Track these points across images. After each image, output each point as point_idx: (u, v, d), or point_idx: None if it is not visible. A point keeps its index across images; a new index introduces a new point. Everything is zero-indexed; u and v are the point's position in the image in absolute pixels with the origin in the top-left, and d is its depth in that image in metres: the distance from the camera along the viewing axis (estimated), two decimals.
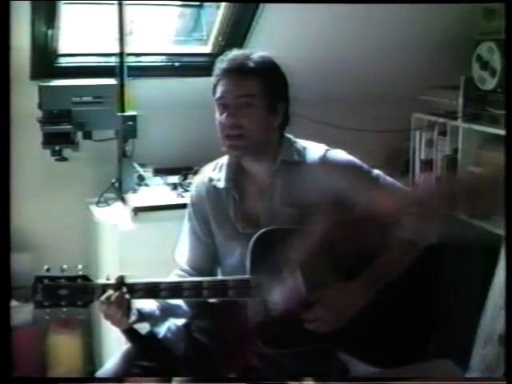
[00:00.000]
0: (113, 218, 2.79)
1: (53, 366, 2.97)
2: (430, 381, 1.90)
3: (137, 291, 1.81)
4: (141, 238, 2.68)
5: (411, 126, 3.26)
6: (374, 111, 3.32)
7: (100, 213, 2.86)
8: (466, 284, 2.95)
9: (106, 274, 1.87)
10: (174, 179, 2.99)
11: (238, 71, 1.87)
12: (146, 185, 2.97)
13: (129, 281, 1.82)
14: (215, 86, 1.90)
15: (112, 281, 1.81)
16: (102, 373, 1.92)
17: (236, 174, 1.96)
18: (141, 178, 2.97)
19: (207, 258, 2.01)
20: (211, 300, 1.99)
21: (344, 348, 1.87)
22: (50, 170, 2.93)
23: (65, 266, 1.82)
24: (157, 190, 2.95)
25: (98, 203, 2.90)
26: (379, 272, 1.83)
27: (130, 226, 2.74)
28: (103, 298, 1.79)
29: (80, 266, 1.84)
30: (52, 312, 1.84)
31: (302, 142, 1.98)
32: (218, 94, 1.89)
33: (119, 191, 2.91)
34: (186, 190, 2.92)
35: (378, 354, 1.88)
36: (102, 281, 1.83)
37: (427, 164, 3.19)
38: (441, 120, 3.09)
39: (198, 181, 2.05)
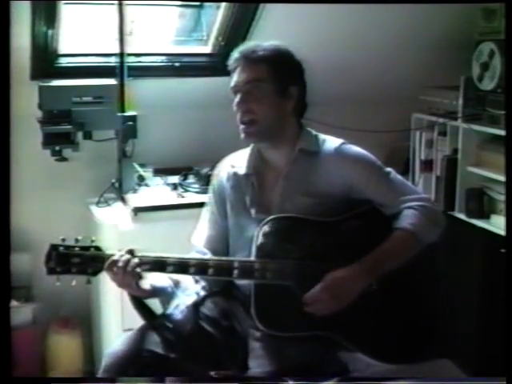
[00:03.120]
0: (113, 218, 2.79)
1: (53, 365, 2.98)
2: (429, 381, 1.90)
3: (145, 264, 1.88)
4: (141, 238, 2.67)
5: (411, 126, 3.26)
6: (374, 111, 3.32)
7: (100, 213, 2.86)
8: (467, 284, 2.95)
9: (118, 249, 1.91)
10: (174, 179, 2.99)
11: (247, 58, 1.96)
12: (146, 185, 2.97)
13: (138, 254, 1.89)
14: (232, 77, 1.98)
15: (122, 252, 1.88)
16: (109, 354, 1.94)
17: (257, 161, 2.03)
18: (141, 178, 2.97)
19: (224, 241, 2.06)
20: (218, 288, 2.03)
21: (344, 337, 1.88)
22: (50, 169, 2.93)
23: (79, 237, 1.93)
24: (157, 190, 2.95)
25: (98, 203, 2.90)
26: (380, 258, 1.86)
27: (129, 226, 2.74)
28: (109, 260, 1.86)
29: (94, 238, 1.94)
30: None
31: (322, 136, 2.05)
32: (232, 83, 1.97)
33: (119, 191, 2.91)
34: (186, 190, 2.93)
35: (377, 347, 1.89)
36: (112, 251, 1.90)
37: (427, 164, 3.19)
38: (441, 120, 3.09)
39: (220, 167, 2.13)
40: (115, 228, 2.73)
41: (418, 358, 1.92)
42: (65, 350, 2.98)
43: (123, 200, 2.87)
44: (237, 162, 2.07)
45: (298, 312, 1.82)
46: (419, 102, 3.23)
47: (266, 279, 1.85)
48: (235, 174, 2.05)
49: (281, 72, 1.96)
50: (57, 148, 2.79)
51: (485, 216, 2.90)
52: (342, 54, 3.11)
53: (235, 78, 1.97)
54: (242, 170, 2.04)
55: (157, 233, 2.64)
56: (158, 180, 3.02)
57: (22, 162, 2.53)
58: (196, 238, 2.11)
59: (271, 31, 2.96)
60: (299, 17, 2.89)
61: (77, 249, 1.91)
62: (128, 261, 1.86)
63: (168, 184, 2.98)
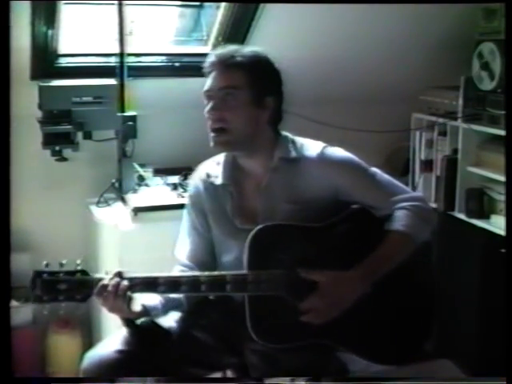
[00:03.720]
0: (113, 218, 2.79)
1: (53, 365, 2.98)
2: (430, 381, 1.90)
3: (135, 285, 1.82)
4: (141, 238, 2.68)
5: (411, 126, 3.26)
6: (374, 111, 3.32)
7: (100, 213, 2.86)
8: (467, 284, 2.95)
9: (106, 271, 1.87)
10: (174, 179, 2.99)
11: (223, 64, 1.88)
12: (146, 185, 2.97)
13: (127, 275, 1.83)
14: (206, 81, 1.92)
15: (110, 275, 1.82)
16: (92, 356, 1.92)
17: (233, 170, 1.97)
18: (141, 178, 2.97)
19: (208, 252, 2.02)
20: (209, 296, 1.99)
21: (341, 342, 1.87)
22: (50, 170, 2.93)
23: (64, 261, 1.84)
24: (157, 190, 2.95)
25: (98, 203, 2.90)
26: (375, 263, 1.84)
27: (130, 226, 2.74)
28: (98, 285, 1.80)
29: (79, 261, 1.85)
30: (51, 307, 1.84)
31: (299, 140, 1.98)
32: (205, 87, 1.91)
33: (119, 191, 2.91)
34: (186, 190, 2.92)
35: (374, 349, 1.88)
36: (100, 275, 1.84)
37: (427, 164, 3.19)
38: (441, 120, 3.09)
39: (195, 177, 2.06)
40: (115, 228, 2.73)
41: (417, 358, 1.92)
42: (65, 349, 2.98)
43: (123, 200, 2.87)
44: (212, 170, 2.00)
45: (294, 321, 1.80)
46: (419, 102, 3.23)
47: (260, 291, 1.82)
48: (212, 184, 1.98)
49: (258, 81, 1.88)
50: (57, 148, 2.79)
51: (485, 216, 2.90)
52: (342, 54, 3.11)
53: (209, 82, 1.90)
54: (218, 180, 1.97)
55: (157, 233, 2.64)
56: (158, 180, 3.02)
57: (22, 162, 2.53)
58: (179, 252, 2.04)
59: (271, 31, 2.96)
60: (299, 17, 2.89)
61: (62, 274, 1.82)
62: (118, 284, 1.79)
63: (168, 184, 2.98)
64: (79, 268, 1.84)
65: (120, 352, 1.88)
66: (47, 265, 1.83)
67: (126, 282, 1.80)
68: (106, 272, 1.84)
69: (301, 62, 2.99)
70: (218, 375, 2.07)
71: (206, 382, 2.01)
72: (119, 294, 1.79)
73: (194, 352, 1.94)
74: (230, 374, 2.07)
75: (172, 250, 2.06)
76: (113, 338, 1.95)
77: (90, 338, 3.06)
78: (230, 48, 1.93)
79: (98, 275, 1.84)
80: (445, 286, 2.02)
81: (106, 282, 1.80)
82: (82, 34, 2.99)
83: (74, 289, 1.81)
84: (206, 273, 1.89)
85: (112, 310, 1.84)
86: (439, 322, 1.98)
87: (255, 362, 1.90)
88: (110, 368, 1.85)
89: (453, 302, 2.86)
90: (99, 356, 1.89)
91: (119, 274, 1.82)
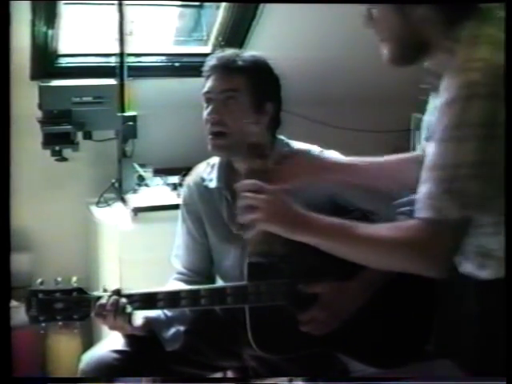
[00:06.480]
0: (113, 218, 2.80)
1: (53, 365, 2.98)
2: (429, 381, 1.90)
3: (134, 302, 1.78)
4: (141, 239, 2.68)
5: (411, 126, 3.26)
6: (374, 111, 3.32)
7: (100, 213, 2.86)
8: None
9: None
10: (174, 179, 2.99)
11: (225, 67, 1.86)
12: (146, 185, 2.98)
13: (125, 292, 1.79)
14: (205, 83, 1.90)
15: (108, 293, 1.78)
16: (90, 356, 1.91)
17: (228, 174, 1.94)
18: (141, 179, 2.97)
19: (204, 259, 2.00)
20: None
21: (342, 350, 1.87)
22: (50, 170, 2.93)
23: (59, 279, 1.80)
24: (157, 191, 2.95)
25: (98, 203, 2.90)
26: (376, 272, 1.81)
27: (130, 226, 2.74)
28: (96, 305, 1.76)
29: (74, 279, 1.82)
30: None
31: (295, 144, 1.96)
32: (205, 88, 1.89)
33: (119, 191, 2.91)
34: None
35: (376, 355, 1.87)
36: (98, 293, 1.80)
37: None
38: None
39: (189, 181, 2.04)
40: (115, 228, 2.73)
41: (417, 359, 1.91)
42: (65, 349, 2.98)
43: (123, 200, 2.87)
44: (206, 174, 1.98)
45: (294, 332, 1.78)
46: (419, 102, 3.23)
47: (260, 302, 1.79)
48: (206, 188, 1.96)
49: (259, 86, 1.86)
50: (57, 148, 2.79)
51: None
52: (342, 53, 3.11)
53: (209, 84, 1.88)
54: (212, 183, 1.94)
55: (157, 233, 2.64)
56: (158, 180, 3.02)
57: (22, 162, 2.53)
58: (176, 259, 2.03)
59: (271, 31, 2.97)
60: (299, 17, 2.89)
61: (58, 293, 1.76)
62: (116, 302, 1.75)
63: (168, 184, 2.98)
64: (75, 286, 1.79)
65: (118, 352, 1.87)
66: (42, 282, 1.79)
67: (124, 300, 1.77)
68: (104, 289, 1.81)
69: (300, 62, 2.99)
70: (218, 375, 2.07)
71: (205, 382, 2.01)
72: (119, 312, 1.75)
73: (192, 353, 1.93)
74: (230, 374, 2.07)
75: (172, 250, 2.06)
76: (111, 338, 1.94)
77: (89, 339, 3.06)
78: (230, 52, 1.91)
79: (95, 293, 1.79)
80: (444, 285, 2.01)
81: (103, 301, 1.76)
82: (82, 34, 3.00)
83: (71, 308, 1.77)
84: (206, 286, 1.86)
85: (113, 328, 1.81)
86: (439, 322, 1.97)
87: (255, 366, 1.90)
88: (108, 368, 1.84)
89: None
90: (97, 356, 1.89)
91: (117, 292, 1.78)
